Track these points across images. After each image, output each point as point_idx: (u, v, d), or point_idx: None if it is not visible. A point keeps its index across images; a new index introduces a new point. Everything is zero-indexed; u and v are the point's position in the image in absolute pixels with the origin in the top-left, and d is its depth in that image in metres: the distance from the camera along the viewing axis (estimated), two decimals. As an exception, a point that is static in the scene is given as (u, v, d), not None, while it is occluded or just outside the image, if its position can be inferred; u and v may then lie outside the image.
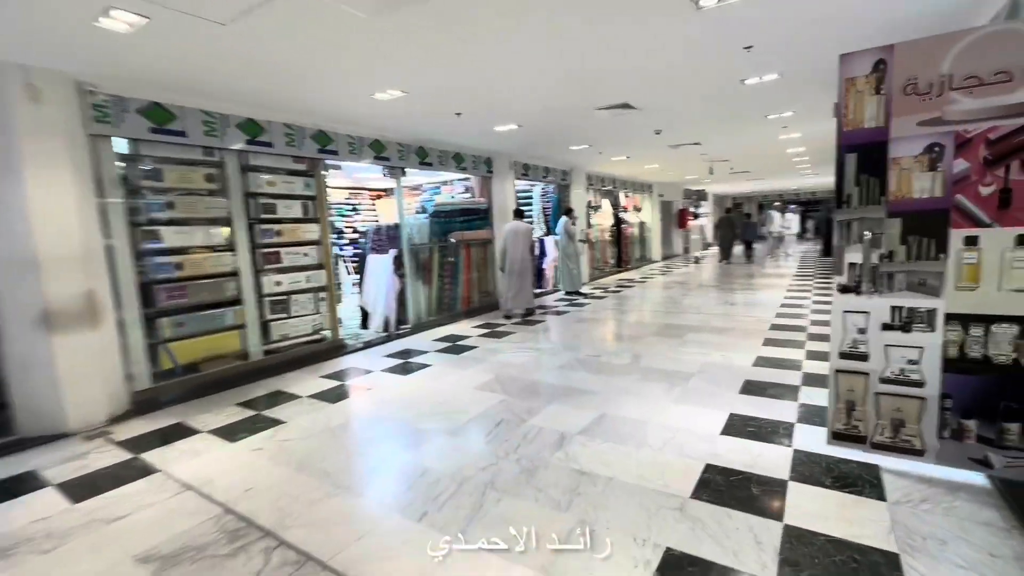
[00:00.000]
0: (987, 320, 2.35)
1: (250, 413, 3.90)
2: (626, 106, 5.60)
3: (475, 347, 5.72)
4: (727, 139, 8.36)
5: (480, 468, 2.84)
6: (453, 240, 7.70)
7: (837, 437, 2.75)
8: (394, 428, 3.59)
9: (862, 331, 2.64)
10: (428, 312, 7.45)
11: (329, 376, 4.81)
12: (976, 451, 2.44)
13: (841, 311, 2.68)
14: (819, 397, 3.64)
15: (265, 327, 5.15)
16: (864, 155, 2.54)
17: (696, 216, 14.80)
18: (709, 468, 2.72)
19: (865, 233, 2.55)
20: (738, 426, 3.24)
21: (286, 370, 5.00)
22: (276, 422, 3.69)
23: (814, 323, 6.16)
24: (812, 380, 4.02)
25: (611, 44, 3.76)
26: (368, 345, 6.00)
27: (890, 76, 2.43)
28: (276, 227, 5.19)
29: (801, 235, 22.14)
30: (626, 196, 14.72)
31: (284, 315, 5.29)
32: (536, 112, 5.81)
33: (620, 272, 13.30)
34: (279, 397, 4.26)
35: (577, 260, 9.56)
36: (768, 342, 5.31)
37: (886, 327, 2.58)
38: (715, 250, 17.70)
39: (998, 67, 2.22)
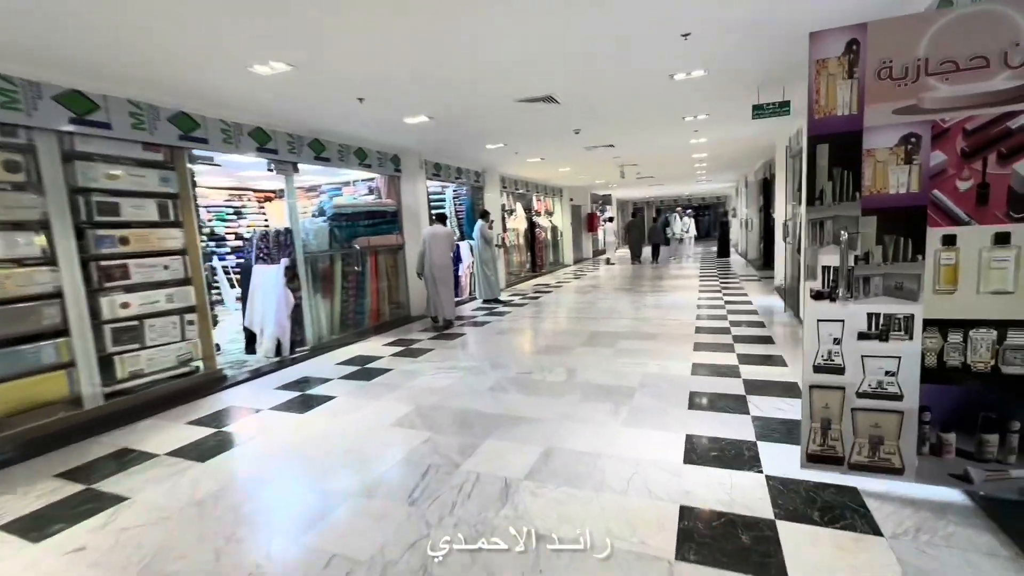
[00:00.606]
0: (966, 325, 2.18)
1: (75, 488, 2.84)
2: (549, 99, 5.20)
3: (388, 370, 4.95)
4: (641, 141, 8.36)
5: (408, 545, 2.16)
6: (358, 247, 6.80)
7: (812, 459, 2.48)
8: (288, 492, 2.76)
9: (837, 341, 2.38)
10: (330, 330, 6.48)
11: (200, 421, 3.79)
12: (955, 466, 2.26)
13: (815, 320, 2.41)
14: (769, 407, 3.45)
15: (107, 363, 3.96)
16: (836, 146, 2.28)
17: (611, 219, 15.37)
18: (685, 513, 2.30)
19: (841, 232, 2.29)
20: (700, 451, 2.89)
21: (141, 417, 3.88)
22: (115, 500, 2.69)
23: (734, 323, 6.22)
24: (754, 388, 3.85)
25: (541, 27, 3.28)
26: (256, 375, 4.96)
27: (864, 58, 2.19)
28: (120, 232, 4.03)
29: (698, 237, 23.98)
30: (538, 200, 14.59)
31: (135, 345, 4.13)
32: (451, 103, 5.20)
33: (536, 277, 13.07)
34: (125, 458, 3.20)
35: (495, 266, 9.08)
36: (699, 347, 5.18)
37: (862, 336, 2.34)
38: (622, 251, 18.31)
39: (974, 52, 2.04)
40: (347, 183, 8.57)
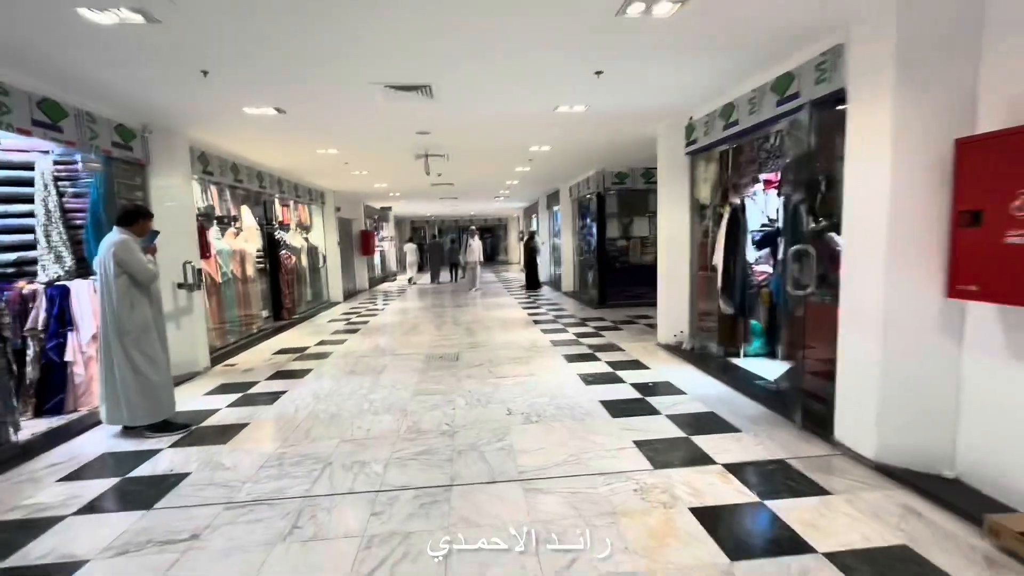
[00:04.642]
0: None
1: None
2: None
3: None
4: (494, 84, 4.32)
5: None
6: None
7: None
8: None
9: None
10: None
11: None
12: None
13: None
14: None
15: None
16: None
17: (411, 239, 13.09)
18: None
19: None
20: None
21: None
22: None
23: (757, 486, 2.73)
24: None
25: None
26: None
27: None
28: None
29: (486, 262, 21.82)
30: (284, 206, 9.23)
31: None
32: None
33: (280, 332, 7.74)
34: None
35: (156, 340, 3.74)
36: None
37: None
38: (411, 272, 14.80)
39: None
40: None
